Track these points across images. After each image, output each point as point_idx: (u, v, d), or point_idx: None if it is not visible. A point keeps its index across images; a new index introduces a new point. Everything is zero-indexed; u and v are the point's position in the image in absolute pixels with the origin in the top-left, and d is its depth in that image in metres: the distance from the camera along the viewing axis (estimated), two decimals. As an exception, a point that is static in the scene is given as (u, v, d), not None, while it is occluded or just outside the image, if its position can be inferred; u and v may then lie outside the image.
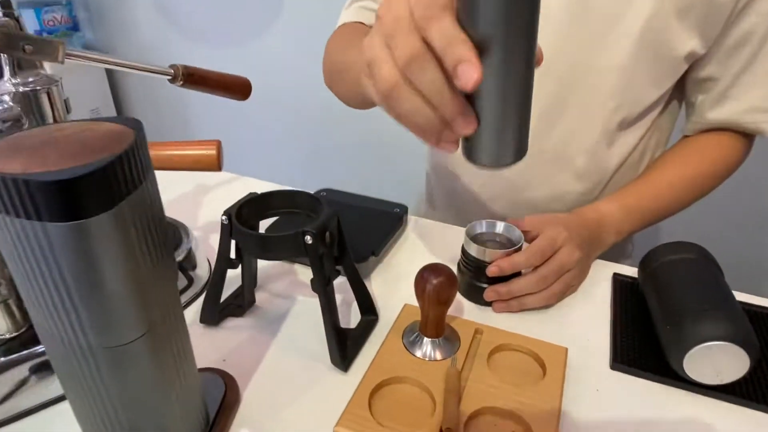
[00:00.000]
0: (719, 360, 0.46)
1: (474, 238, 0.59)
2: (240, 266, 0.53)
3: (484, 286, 0.58)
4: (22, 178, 0.25)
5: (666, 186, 0.70)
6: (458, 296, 0.60)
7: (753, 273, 1.41)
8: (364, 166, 1.91)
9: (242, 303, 0.56)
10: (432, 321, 0.49)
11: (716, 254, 0.55)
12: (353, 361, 0.51)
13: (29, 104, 0.45)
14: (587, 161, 0.72)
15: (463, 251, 0.59)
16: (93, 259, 0.28)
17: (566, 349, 0.51)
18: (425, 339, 0.50)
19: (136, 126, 0.31)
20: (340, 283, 0.53)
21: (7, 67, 0.45)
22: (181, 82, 0.60)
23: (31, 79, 0.46)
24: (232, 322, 0.56)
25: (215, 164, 0.51)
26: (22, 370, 0.45)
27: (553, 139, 0.72)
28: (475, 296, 0.59)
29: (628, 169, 0.75)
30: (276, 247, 0.46)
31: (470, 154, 0.35)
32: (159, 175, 0.35)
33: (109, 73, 2.26)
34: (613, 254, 0.68)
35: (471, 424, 0.44)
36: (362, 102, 0.67)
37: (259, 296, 0.59)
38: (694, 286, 0.51)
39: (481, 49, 0.29)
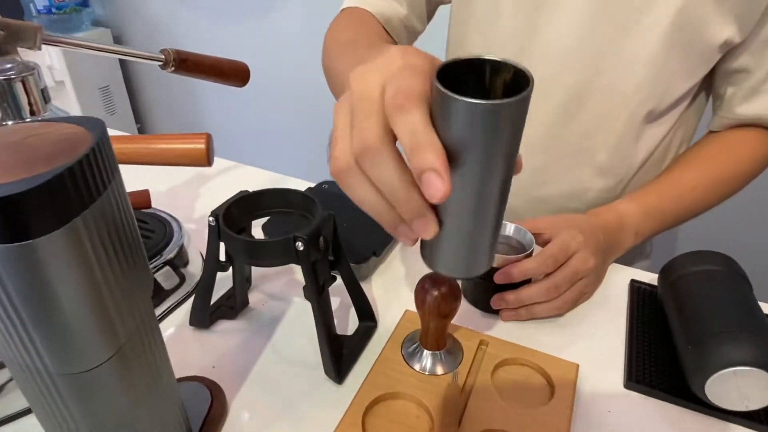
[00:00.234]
0: (746, 385, 0.42)
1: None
2: (231, 268, 0.49)
3: (492, 292, 0.54)
4: (-47, 195, 0.22)
5: (689, 186, 0.65)
6: (463, 301, 0.57)
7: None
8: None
9: (234, 305, 0.54)
10: (433, 333, 0.46)
11: (738, 258, 0.51)
12: (349, 372, 0.48)
13: (3, 94, 0.42)
14: (610, 156, 0.67)
15: (470, 254, 0.56)
16: (44, 282, 0.25)
17: (577, 366, 0.48)
18: (425, 351, 0.47)
19: (96, 127, 0.28)
20: (338, 284, 0.50)
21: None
22: (173, 68, 0.56)
23: (6, 67, 0.43)
24: (223, 325, 0.53)
25: (204, 159, 0.48)
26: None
27: (572, 133, 0.67)
28: (482, 303, 0.56)
29: (651, 166, 0.70)
30: (265, 254, 0.42)
31: (425, 256, 0.32)
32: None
33: (119, 51, 2.23)
34: (630, 254, 0.64)
35: (471, 449, 0.41)
36: None
37: (254, 297, 0.57)
38: (720, 303, 0.46)
39: (452, 156, 0.26)
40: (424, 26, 0.76)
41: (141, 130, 2.42)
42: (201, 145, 0.47)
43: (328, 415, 0.43)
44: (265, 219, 0.54)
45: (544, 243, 0.56)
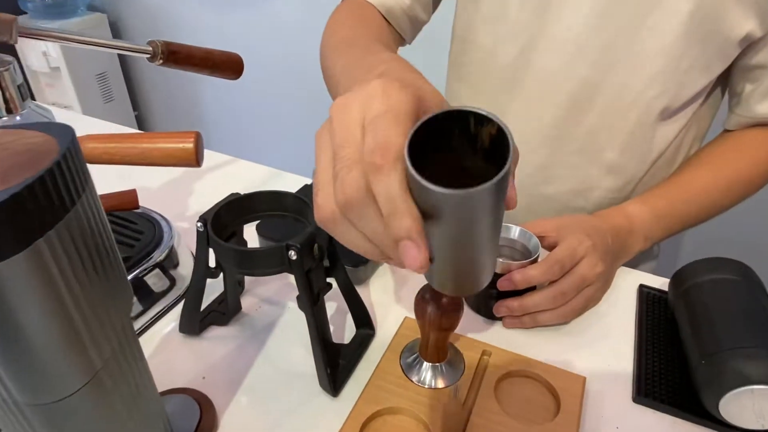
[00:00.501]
0: (762, 404, 0.40)
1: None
2: (222, 274, 0.47)
3: (495, 299, 0.52)
4: None
5: (701, 188, 0.62)
6: (465, 307, 0.54)
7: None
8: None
9: (226, 310, 0.51)
10: (433, 346, 0.44)
11: (750, 258, 0.48)
12: (345, 384, 0.46)
13: (-24, 91, 0.40)
14: (619, 155, 0.64)
15: (473, 259, 0.53)
16: (6, 309, 0.23)
17: (584, 379, 0.45)
18: (425, 364, 0.45)
19: (64, 135, 0.25)
20: (335, 288, 0.48)
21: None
22: (161, 61, 0.53)
23: (-20, 61, 0.40)
24: (215, 332, 0.51)
25: (193, 159, 0.45)
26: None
27: (581, 129, 0.64)
28: (485, 309, 0.53)
29: (661, 165, 0.67)
30: (256, 263, 0.40)
31: (426, 275, 0.32)
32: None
33: (116, 37, 2.18)
34: (637, 255, 0.62)
35: (472, 469, 0.39)
36: None
37: (247, 302, 0.54)
38: (735, 315, 0.44)
39: (431, 217, 0.25)
40: (429, 16, 0.72)
41: (138, 118, 2.38)
42: (189, 145, 0.45)
43: (323, 431, 0.41)
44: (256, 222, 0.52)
45: (549, 246, 0.53)
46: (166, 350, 0.49)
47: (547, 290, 0.50)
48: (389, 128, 0.25)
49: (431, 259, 0.27)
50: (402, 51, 0.68)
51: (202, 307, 0.50)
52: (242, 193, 0.45)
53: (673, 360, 0.48)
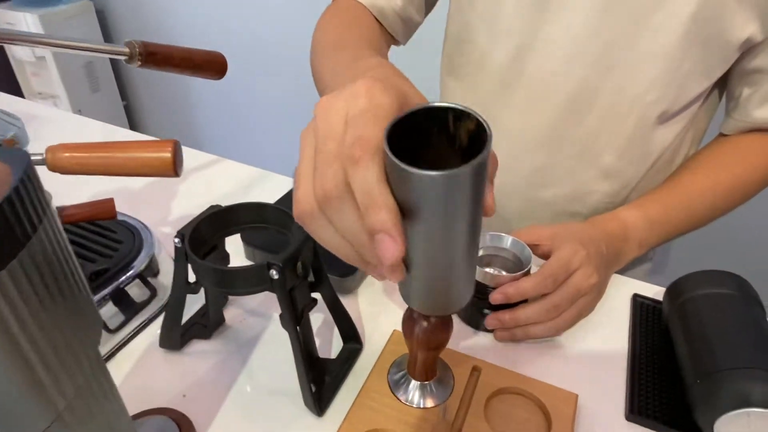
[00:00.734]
0: (759, 426, 0.39)
1: (476, 254, 0.51)
2: (203, 289, 0.45)
3: (486, 311, 0.50)
4: None
5: (698, 193, 0.61)
6: (455, 318, 0.53)
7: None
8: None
9: (208, 323, 0.50)
10: (421, 364, 0.42)
11: (746, 263, 0.47)
12: (331, 402, 0.44)
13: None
14: (617, 159, 0.63)
15: (464, 269, 0.52)
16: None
17: (576, 397, 0.44)
18: (413, 382, 0.43)
19: (18, 161, 0.23)
20: (322, 300, 0.46)
21: None
22: (140, 63, 0.51)
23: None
24: (197, 346, 0.49)
25: (171, 169, 0.43)
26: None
27: (578, 132, 0.62)
28: (475, 321, 0.52)
29: (658, 169, 0.65)
30: (236, 283, 0.38)
31: (400, 292, 0.32)
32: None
33: (102, 25, 2.13)
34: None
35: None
36: None
37: (230, 313, 0.53)
38: (732, 334, 0.43)
39: (408, 212, 0.25)
40: (423, 17, 0.70)
41: (127, 108, 2.34)
42: (167, 155, 0.43)
43: (306, 453, 0.40)
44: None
45: (543, 255, 0.52)
46: (146, 367, 0.47)
47: (540, 303, 0.49)
48: (369, 124, 0.25)
49: (407, 267, 0.28)
50: (390, 51, 0.66)
51: (184, 319, 0.48)
52: (225, 200, 0.43)
53: (666, 376, 0.47)
